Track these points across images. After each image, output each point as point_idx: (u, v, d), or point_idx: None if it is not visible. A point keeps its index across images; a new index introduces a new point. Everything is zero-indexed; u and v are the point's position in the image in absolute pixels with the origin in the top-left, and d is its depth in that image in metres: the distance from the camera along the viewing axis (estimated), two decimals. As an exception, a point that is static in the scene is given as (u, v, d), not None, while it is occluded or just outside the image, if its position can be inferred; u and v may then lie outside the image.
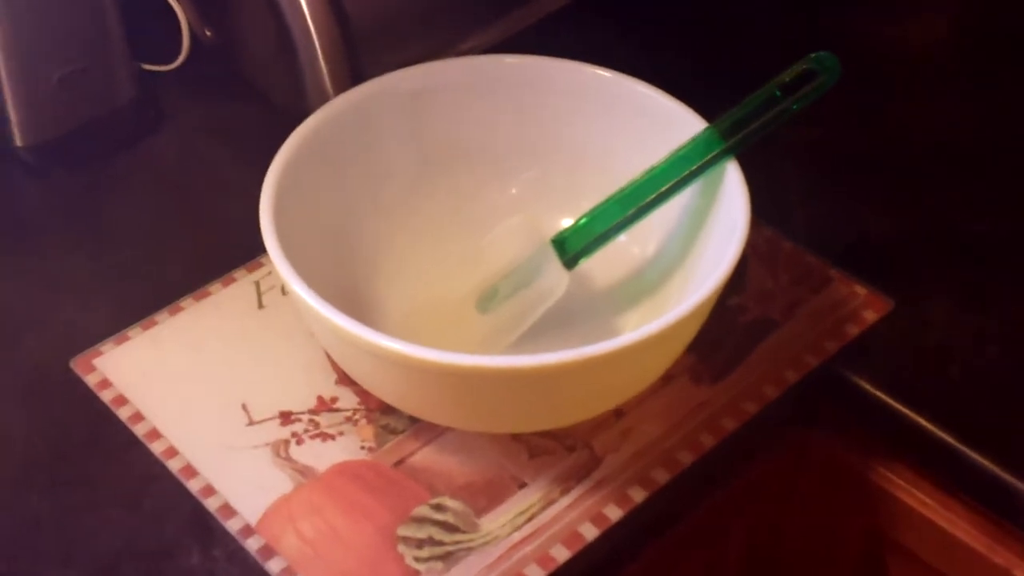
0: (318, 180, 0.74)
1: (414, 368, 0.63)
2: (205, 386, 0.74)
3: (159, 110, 0.94)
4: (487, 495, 0.69)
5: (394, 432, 0.71)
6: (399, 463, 0.70)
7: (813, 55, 0.72)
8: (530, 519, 0.67)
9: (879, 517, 0.80)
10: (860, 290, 0.79)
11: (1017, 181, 0.88)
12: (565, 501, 0.68)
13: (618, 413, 0.72)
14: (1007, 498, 0.71)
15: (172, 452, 0.70)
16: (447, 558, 0.66)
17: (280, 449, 0.70)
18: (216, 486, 0.68)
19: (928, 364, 0.76)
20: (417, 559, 0.66)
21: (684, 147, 0.72)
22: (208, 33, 0.95)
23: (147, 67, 0.95)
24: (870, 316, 0.78)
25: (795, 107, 0.71)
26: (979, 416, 0.74)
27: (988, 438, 0.72)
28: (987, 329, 0.78)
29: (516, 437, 0.71)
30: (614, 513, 0.68)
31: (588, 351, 0.62)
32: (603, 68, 0.77)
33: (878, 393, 0.75)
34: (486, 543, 0.66)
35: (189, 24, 0.94)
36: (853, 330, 0.77)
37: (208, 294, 0.79)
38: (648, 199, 0.72)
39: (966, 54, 0.99)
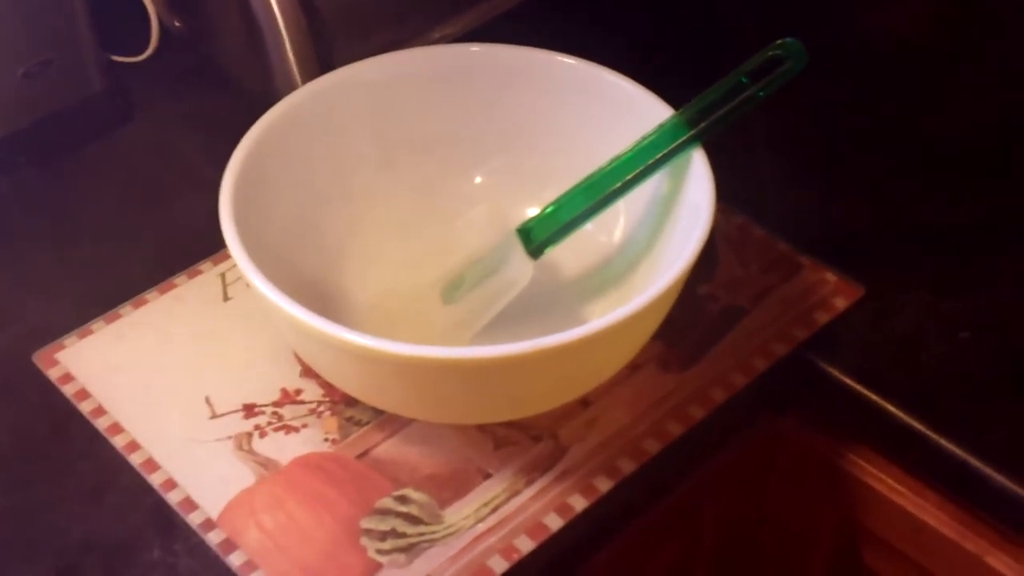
0: (282, 170, 0.73)
1: (375, 361, 0.62)
2: (168, 379, 0.73)
3: (128, 101, 0.93)
4: (452, 486, 0.68)
5: (358, 424, 0.71)
6: (363, 455, 0.69)
7: (779, 41, 0.71)
8: (494, 510, 0.67)
9: (851, 505, 0.80)
10: (830, 277, 0.79)
11: (989, 169, 0.87)
12: (530, 492, 0.68)
13: (584, 402, 0.72)
14: (978, 485, 0.71)
15: (134, 446, 0.70)
16: (410, 550, 0.65)
17: (243, 442, 0.70)
18: (178, 480, 0.68)
19: (898, 351, 0.76)
20: (380, 551, 0.65)
21: (650, 135, 0.72)
22: (177, 23, 0.94)
23: (116, 58, 0.94)
24: (840, 303, 0.77)
25: (761, 94, 0.71)
26: (949, 403, 0.73)
27: (958, 425, 0.72)
28: (957, 316, 0.77)
29: (481, 428, 0.71)
30: (579, 503, 0.67)
31: (550, 340, 0.61)
32: (569, 56, 0.77)
33: (848, 381, 0.74)
34: (449, 535, 0.66)
35: (158, 14, 0.94)
36: (823, 317, 0.77)
37: (173, 286, 0.78)
38: (614, 187, 0.72)
39: (940, 42, 0.99)
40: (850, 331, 0.77)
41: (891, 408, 0.73)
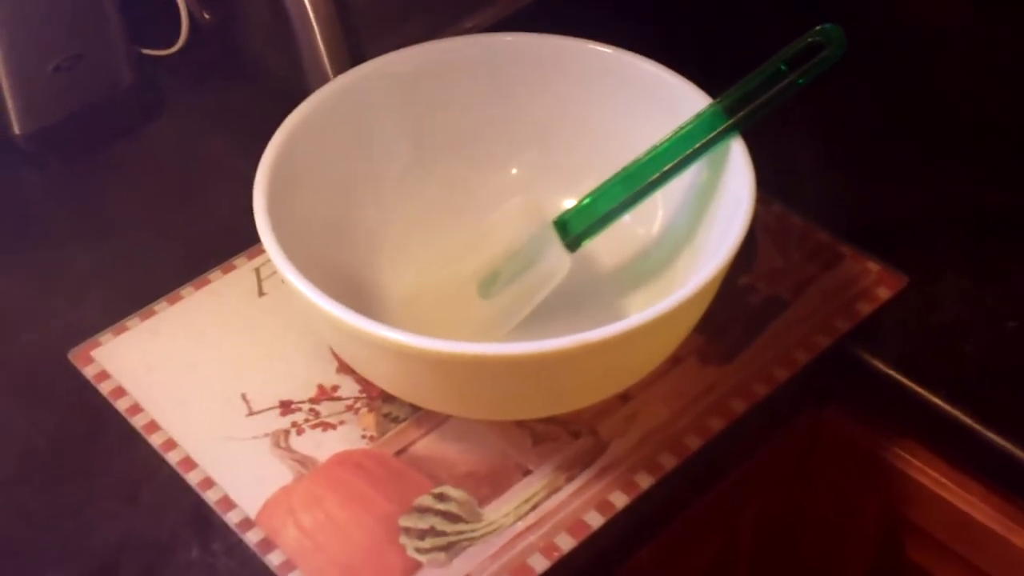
0: (314, 165, 0.72)
1: (413, 357, 0.62)
2: (204, 376, 0.73)
3: (159, 95, 0.93)
4: (490, 484, 0.67)
5: (396, 420, 0.70)
6: (401, 452, 0.69)
7: (818, 27, 0.70)
8: (534, 507, 0.66)
9: (894, 498, 0.79)
10: (872, 266, 0.78)
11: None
12: (570, 488, 0.67)
13: (624, 397, 0.71)
14: (1023, 476, 0.70)
15: (171, 444, 0.69)
16: (449, 548, 0.64)
17: (280, 439, 0.69)
18: (215, 478, 0.67)
19: (942, 341, 0.74)
20: (419, 550, 0.64)
21: (688, 124, 0.70)
22: (206, 16, 0.93)
23: (146, 51, 0.93)
24: (883, 293, 0.76)
25: (801, 82, 0.69)
26: (995, 394, 0.72)
27: (1004, 416, 0.71)
28: (1002, 305, 0.76)
29: (520, 424, 0.70)
30: (620, 500, 0.66)
31: (591, 336, 0.60)
32: (604, 44, 0.76)
33: (891, 372, 0.73)
34: (489, 533, 0.65)
35: (187, 7, 0.93)
36: (866, 308, 0.75)
37: (208, 282, 0.78)
38: (652, 178, 0.71)
39: (982, 26, 0.97)
40: (893, 321, 0.76)
41: (935, 399, 0.72)
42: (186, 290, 0.77)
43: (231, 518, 0.66)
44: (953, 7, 0.99)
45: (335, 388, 0.72)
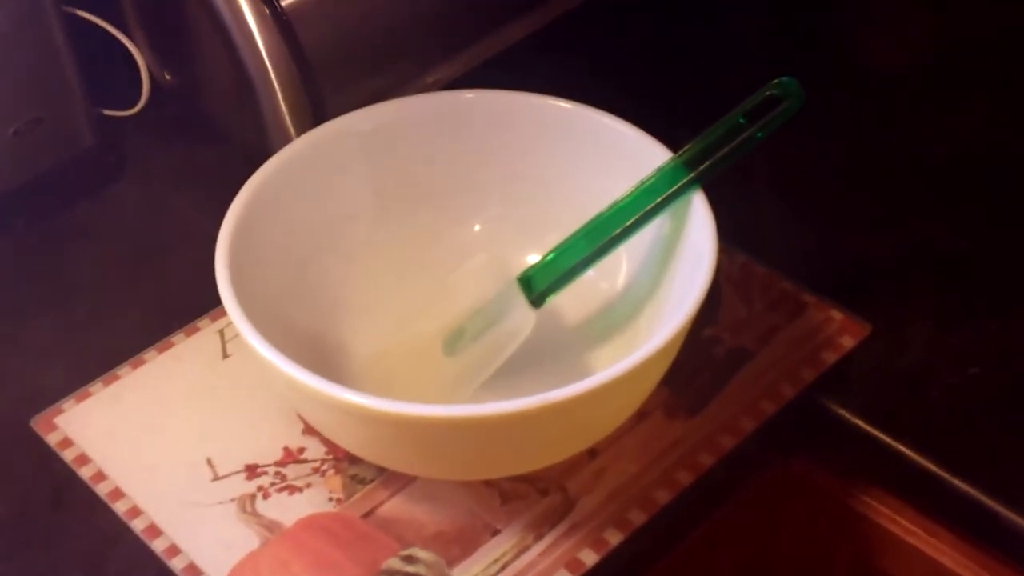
0: (277, 225, 0.72)
1: (375, 420, 0.61)
2: (169, 441, 0.72)
3: (120, 156, 0.92)
4: (459, 544, 0.67)
5: (363, 482, 0.70)
6: (368, 514, 0.68)
7: (776, 81, 0.70)
8: (503, 568, 0.66)
9: (865, 546, 0.79)
10: (836, 315, 0.78)
11: (994, 198, 0.87)
12: (539, 547, 0.67)
13: (592, 453, 0.71)
14: (992, 524, 0.70)
15: (136, 512, 0.68)
16: (419, 612, 0.64)
17: (246, 504, 0.69)
18: (181, 545, 0.67)
19: (907, 389, 0.75)
20: (388, 614, 0.64)
21: (649, 178, 0.71)
22: (168, 76, 0.93)
23: (107, 112, 0.93)
24: (847, 342, 0.76)
25: (759, 135, 0.70)
26: (961, 441, 0.72)
27: (971, 463, 0.71)
28: (966, 350, 0.76)
29: (488, 482, 0.69)
30: (589, 558, 0.66)
31: (555, 395, 0.60)
32: (565, 100, 0.76)
33: (857, 421, 0.73)
34: (458, 594, 0.65)
35: (148, 67, 0.93)
36: (830, 357, 0.76)
37: (171, 345, 0.77)
38: (615, 233, 0.71)
39: (938, 75, 0.98)
40: (858, 369, 0.76)
41: (902, 448, 0.72)
42: (149, 354, 0.77)
43: (197, 586, 0.65)
44: (911, 52, 1.00)
45: (301, 450, 0.71)
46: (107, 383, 0.75)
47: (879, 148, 0.91)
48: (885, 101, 0.95)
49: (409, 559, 0.66)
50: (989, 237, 0.84)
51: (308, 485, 0.70)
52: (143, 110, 0.94)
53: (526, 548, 0.67)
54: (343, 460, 0.71)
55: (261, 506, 0.69)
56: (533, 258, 0.73)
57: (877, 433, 0.73)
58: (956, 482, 0.70)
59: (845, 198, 0.87)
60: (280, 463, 0.71)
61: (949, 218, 0.85)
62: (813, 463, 0.79)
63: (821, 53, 0.99)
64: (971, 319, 0.78)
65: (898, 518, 0.76)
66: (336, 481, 0.70)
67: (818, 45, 1.00)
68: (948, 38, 1.01)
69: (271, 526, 0.68)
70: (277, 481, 0.70)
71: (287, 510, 0.68)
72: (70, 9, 0.88)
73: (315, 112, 0.85)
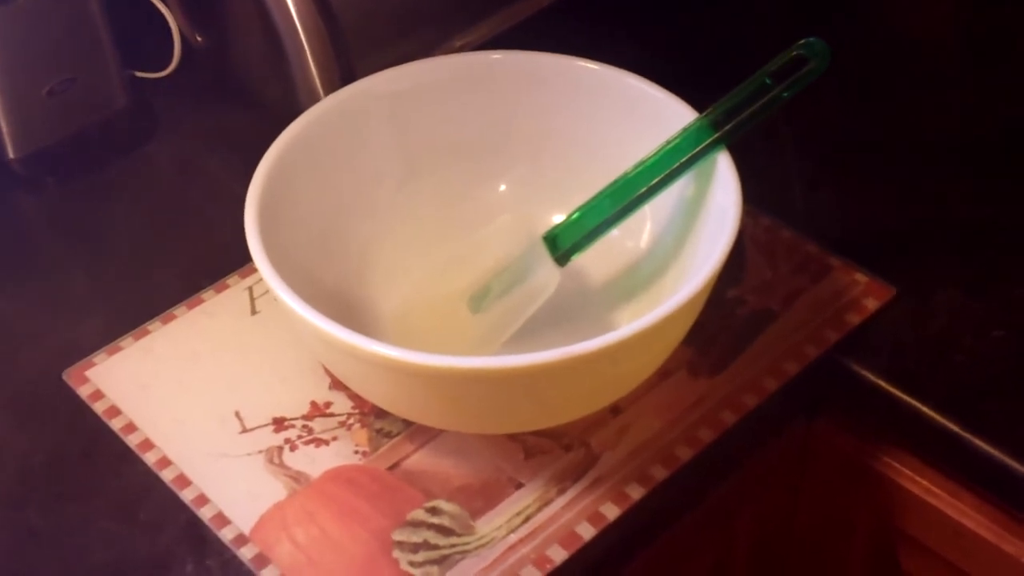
0: (305, 184, 0.73)
1: (402, 372, 0.62)
2: (198, 394, 0.73)
3: (152, 117, 0.93)
4: (483, 497, 0.68)
5: (388, 436, 0.71)
6: (394, 467, 0.69)
7: (802, 41, 0.71)
8: (526, 520, 0.67)
9: (886, 509, 0.79)
10: (861, 278, 0.78)
11: (1021, 165, 0.86)
12: (562, 501, 0.67)
13: (615, 409, 0.71)
14: (1014, 485, 0.70)
15: (165, 462, 0.70)
16: (442, 562, 0.65)
17: (273, 456, 0.70)
18: (209, 495, 0.68)
19: (931, 351, 0.75)
20: (412, 563, 0.65)
21: (675, 138, 0.71)
22: (199, 38, 0.94)
23: (139, 74, 0.94)
24: (871, 304, 0.77)
25: (785, 95, 0.70)
26: (984, 403, 0.72)
27: (993, 425, 0.71)
28: (990, 314, 0.76)
29: (512, 437, 0.70)
30: (611, 512, 0.67)
31: (579, 348, 0.61)
32: (591, 61, 0.76)
33: (881, 382, 0.74)
34: (482, 546, 0.66)
35: (180, 30, 0.94)
36: (854, 319, 0.76)
37: (201, 301, 0.78)
38: (640, 192, 0.71)
39: (970, 41, 0.98)
40: (882, 332, 0.76)
41: (925, 409, 0.72)
42: (179, 310, 0.78)
43: (225, 534, 0.66)
44: (942, 19, 1.00)
45: (328, 404, 0.72)
46: (137, 337, 0.76)
47: (906, 111, 0.91)
48: (913, 63, 0.95)
49: (434, 511, 0.67)
50: (1016, 203, 0.84)
51: (334, 438, 0.71)
52: (175, 72, 0.95)
53: (549, 501, 0.67)
54: (369, 415, 0.72)
55: (288, 458, 0.70)
56: (558, 217, 0.74)
57: (900, 395, 0.73)
58: (978, 443, 0.70)
59: (871, 161, 0.87)
60: (307, 417, 0.72)
61: (975, 183, 0.85)
62: (836, 425, 0.79)
63: (849, 13, 0.99)
64: (996, 283, 0.78)
65: (920, 479, 0.77)
66: (362, 435, 0.71)
67: (846, 5, 1.00)
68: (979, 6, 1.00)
69: (298, 477, 0.69)
70: (304, 434, 0.71)
71: (313, 462, 0.69)
72: (103, -29, 0.90)
73: (343, 74, 0.86)
